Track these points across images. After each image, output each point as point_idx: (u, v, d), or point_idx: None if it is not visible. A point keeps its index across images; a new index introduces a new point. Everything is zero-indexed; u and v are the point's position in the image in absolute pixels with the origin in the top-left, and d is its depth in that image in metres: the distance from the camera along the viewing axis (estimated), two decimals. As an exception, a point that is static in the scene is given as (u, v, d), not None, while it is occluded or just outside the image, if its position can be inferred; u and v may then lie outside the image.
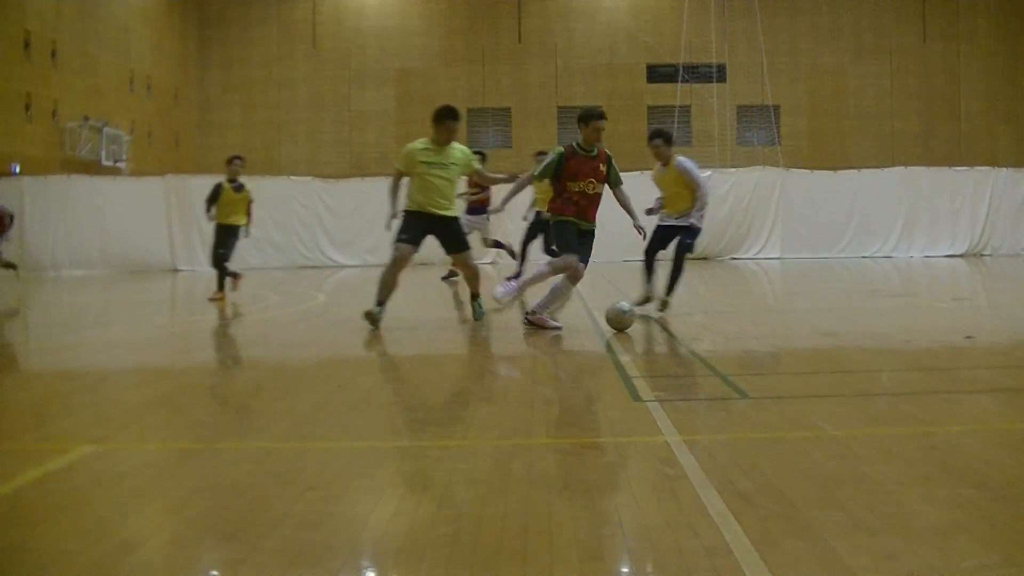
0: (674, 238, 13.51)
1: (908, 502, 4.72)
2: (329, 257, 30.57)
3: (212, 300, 17.43)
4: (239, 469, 5.56)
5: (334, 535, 4.42)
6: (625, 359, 9.39)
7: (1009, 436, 6.16)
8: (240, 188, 17.85)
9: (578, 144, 11.64)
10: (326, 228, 30.76)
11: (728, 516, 4.51)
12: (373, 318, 12.12)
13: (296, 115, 41.43)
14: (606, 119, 11.77)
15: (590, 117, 11.64)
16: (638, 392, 7.60)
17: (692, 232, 13.38)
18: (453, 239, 12.68)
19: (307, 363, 9.90)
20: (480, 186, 19.85)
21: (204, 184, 29.43)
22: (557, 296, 12.00)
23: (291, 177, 32.31)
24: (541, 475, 5.30)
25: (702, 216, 13.41)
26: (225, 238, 17.82)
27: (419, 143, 12.45)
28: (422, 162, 12.26)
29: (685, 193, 13.39)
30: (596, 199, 11.63)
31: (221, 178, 17.99)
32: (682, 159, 13.51)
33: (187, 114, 40.21)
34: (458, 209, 12.89)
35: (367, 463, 5.74)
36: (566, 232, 11.59)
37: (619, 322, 11.62)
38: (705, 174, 28.72)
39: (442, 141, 12.38)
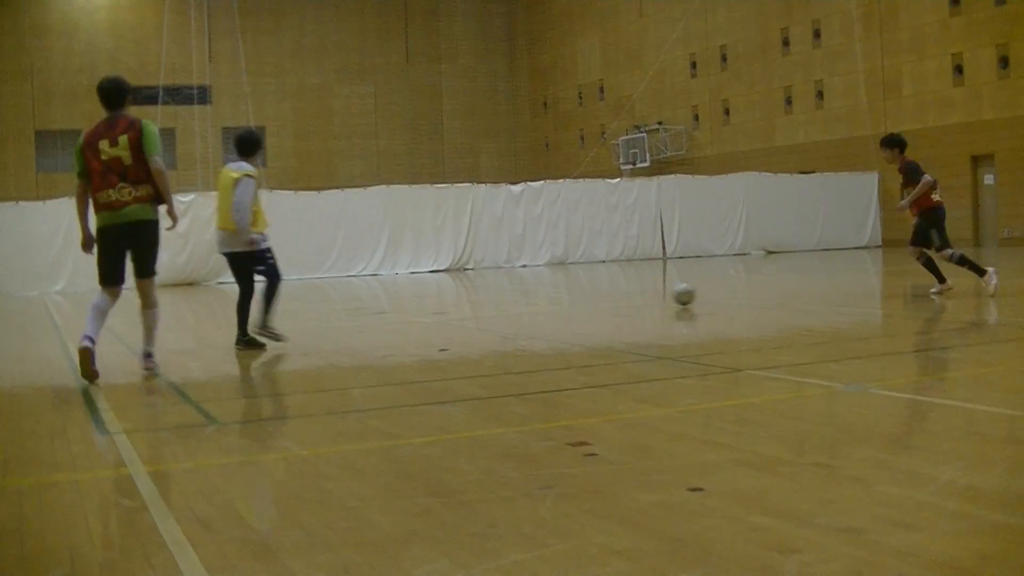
0: None
1: (368, 515, 4.78)
2: None
3: None
4: None
5: None
6: (94, 391, 9.09)
7: (470, 443, 6.36)
8: None
9: None
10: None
11: (185, 544, 4.42)
12: None
13: None
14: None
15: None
16: (106, 424, 7.36)
17: None
18: None
19: None
20: None
21: None
22: None
23: None
24: (-7, 519, 5.03)
25: None
26: None
27: None
28: None
29: None
30: None
31: None
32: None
33: None
34: None
35: None
36: None
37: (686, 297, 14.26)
38: (188, 198, 28.53)
39: None
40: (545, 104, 46.63)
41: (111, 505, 5.28)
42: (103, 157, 9.33)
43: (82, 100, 40.70)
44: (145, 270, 9.75)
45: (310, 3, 43.48)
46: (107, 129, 9.42)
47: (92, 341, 9.29)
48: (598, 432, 6.51)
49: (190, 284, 28.71)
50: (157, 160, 9.43)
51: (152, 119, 29.98)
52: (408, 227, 31.72)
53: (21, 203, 29.93)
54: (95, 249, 9.67)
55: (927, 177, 14.92)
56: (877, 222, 34.79)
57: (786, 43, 37.35)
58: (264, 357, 11.46)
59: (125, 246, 9.56)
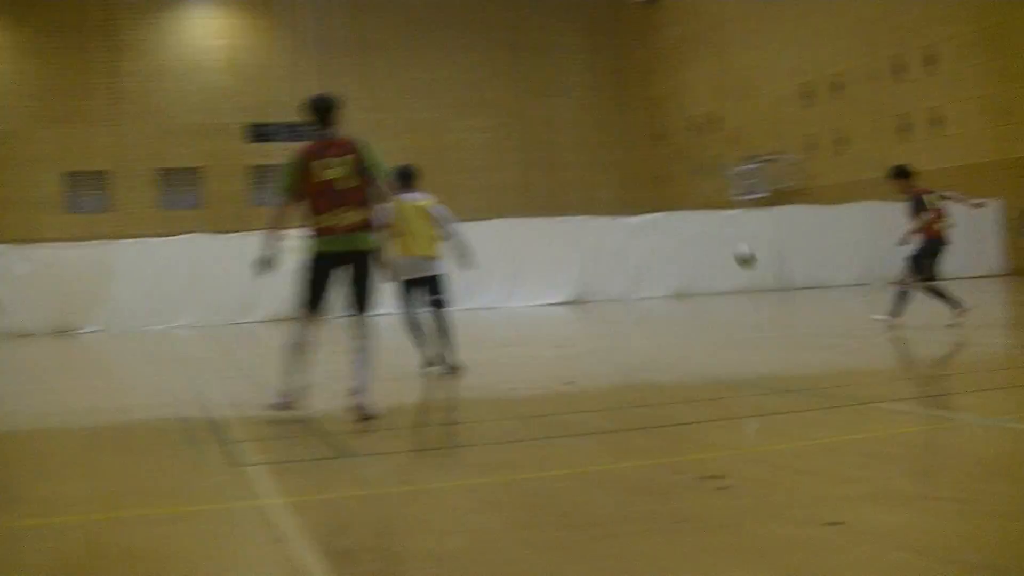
0: None
1: (506, 548, 4.82)
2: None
3: None
4: None
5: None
6: (228, 423, 9.25)
7: (602, 476, 6.38)
8: None
9: None
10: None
11: (329, 574, 4.49)
12: None
13: None
14: None
15: None
16: (240, 456, 7.50)
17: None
18: None
19: None
20: None
21: None
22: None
23: None
24: (136, 549, 5.15)
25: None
26: None
27: None
28: None
29: None
30: None
31: None
32: None
33: None
34: None
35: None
36: None
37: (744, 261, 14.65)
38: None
39: None
40: (658, 136, 46.59)
41: (251, 536, 5.37)
42: (322, 178, 8.90)
43: (200, 138, 41.46)
44: (363, 303, 9.10)
45: (419, 41, 43.89)
46: (325, 148, 9.01)
47: (288, 399, 9.01)
48: (728, 465, 6.49)
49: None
50: (384, 183, 9.07)
51: (272, 155, 30.58)
52: (526, 260, 31.65)
53: (144, 239, 30.54)
54: (306, 275, 9.14)
55: (925, 214, 15.29)
56: (1001, 250, 34.14)
57: (899, 70, 36.91)
58: (392, 390, 11.56)
59: (339, 275, 9.03)
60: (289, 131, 40.11)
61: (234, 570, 4.75)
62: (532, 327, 22.07)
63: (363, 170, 8.87)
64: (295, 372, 9.01)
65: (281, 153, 38.64)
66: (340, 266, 8.98)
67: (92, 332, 27.23)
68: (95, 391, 13.60)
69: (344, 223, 8.86)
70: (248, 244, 28.78)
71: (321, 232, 8.93)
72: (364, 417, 8.69)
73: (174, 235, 30.43)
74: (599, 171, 45.15)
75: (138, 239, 30.33)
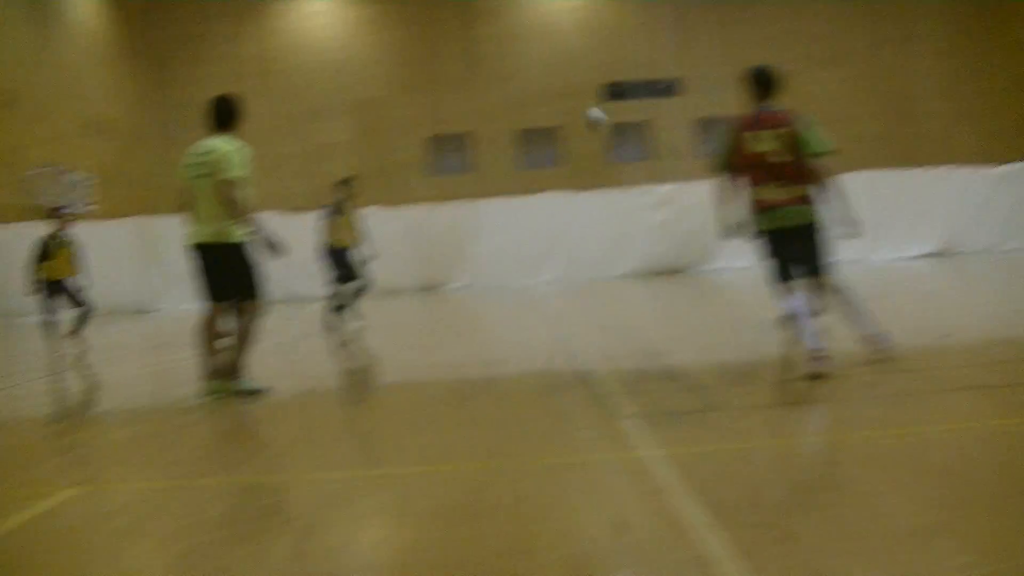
0: None
1: (889, 505, 4.73)
2: (292, 290, 30.35)
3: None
4: (221, 504, 5.58)
5: (319, 566, 4.44)
6: (599, 376, 9.41)
7: (988, 433, 6.18)
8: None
9: None
10: (288, 260, 30.53)
11: (714, 526, 4.53)
12: None
13: (257, 150, 41.10)
14: None
15: None
16: (613, 409, 7.62)
17: None
18: None
19: (284, 395, 9.89)
20: None
21: (173, 224, 29.39)
22: None
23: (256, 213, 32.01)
24: (521, 496, 5.32)
25: None
26: None
27: None
28: None
29: None
30: None
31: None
32: None
33: (150, 154, 40.01)
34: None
35: (347, 493, 5.73)
36: None
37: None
38: (664, 188, 29.22)
39: None
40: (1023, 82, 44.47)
41: (632, 486, 5.45)
42: (754, 150, 8.67)
43: (557, 99, 41.95)
44: (817, 267, 8.81)
45: (781, -8, 43.19)
46: (760, 120, 8.79)
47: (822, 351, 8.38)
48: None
49: (671, 273, 29.18)
50: (822, 161, 8.56)
51: (629, 113, 30.73)
52: (888, 213, 30.90)
53: (505, 198, 31.27)
54: (766, 252, 8.90)
55: None
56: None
57: None
58: (757, 342, 11.51)
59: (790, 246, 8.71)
60: (646, 88, 40.24)
61: (616, 519, 4.83)
62: (897, 280, 21.53)
63: (796, 146, 8.56)
64: (810, 334, 8.45)
65: (637, 110, 39.00)
66: (787, 239, 8.71)
67: (457, 288, 28.14)
68: (464, 345, 14.06)
69: (779, 198, 8.63)
70: (605, 200, 29.23)
71: (760, 207, 8.73)
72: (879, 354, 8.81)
73: (533, 194, 31.08)
74: (960, 120, 43.43)
75: (499, 198, 31.10)
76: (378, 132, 41.24)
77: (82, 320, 16.25)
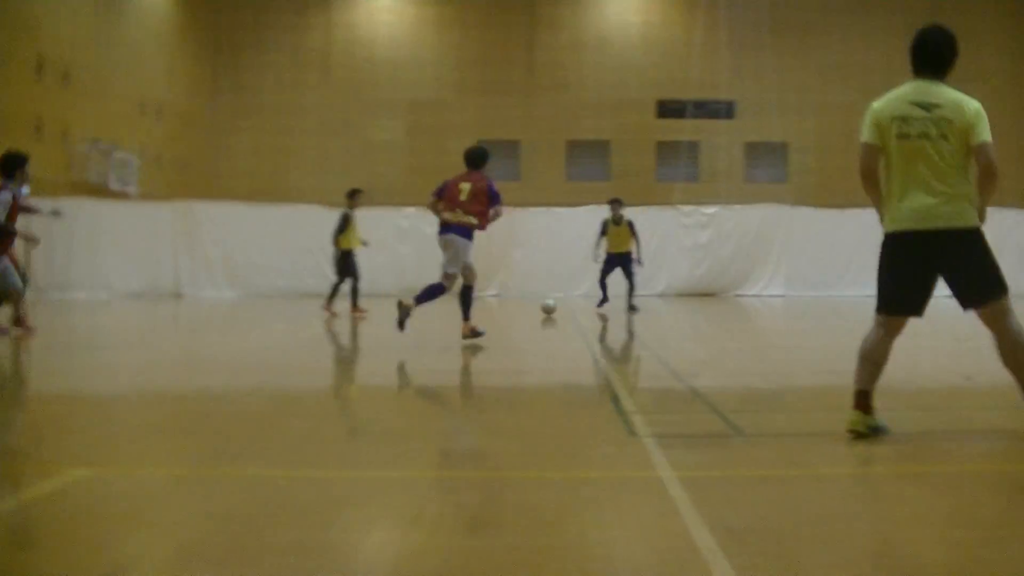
0: None
1: (899, 543, 4.71)
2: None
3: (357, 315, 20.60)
4: (231, 496, 5.57)
5: (323, 564, 4.42)
6: (622, 394, 9.39)
7: (1003, 477, 6.13)
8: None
9: None
10: (330, 256, 30.75)
11: (718, 552, 4.49)
12: None
13: (306, 142, 41.31)
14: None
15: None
16: (634, 427, 7.58)
17: None
18: None
19: (303, 390, 9.90)
20: None
21: (214, 209, 29.60)
22: None
23: (298, 205, 32.20)
24: (533, 508, 5.29)
25: None
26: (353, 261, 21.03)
27: None
28: None
29: None
30: None
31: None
32: None
33: (198, 139, 40.20)
34: None
35: (359, 492, 5.72)
36: None
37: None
38: (711, 210, 29.20)
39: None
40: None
41: (644, 506, 5.43)
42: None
43: (610, 112, 41.94)
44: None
45: (837, 23, 42.93)
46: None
47: None
48: None
49: (708, 295, 29.14)
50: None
51: (681, 132, 30.68)
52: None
53: (553, 209, 31.31)
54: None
55: None
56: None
57: None
58: (785, 371, 11.47)
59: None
60: (698, 108, 40.13)
61: (625, 538, 4.81)
62: (928, 317, 21.32)
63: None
64: None
65: (689, 130, 38.92)
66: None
67: (491, 296, 28.16)
68: (492, 353, 14.03)
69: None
70: (649, 217, 29.20)
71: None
72: None
73: (579, 206, 31.09)
74: (1015, 161, 43.19)
75: (542, 207, 31.12)
76: (430, 133, 41.30)
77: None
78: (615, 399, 9.06)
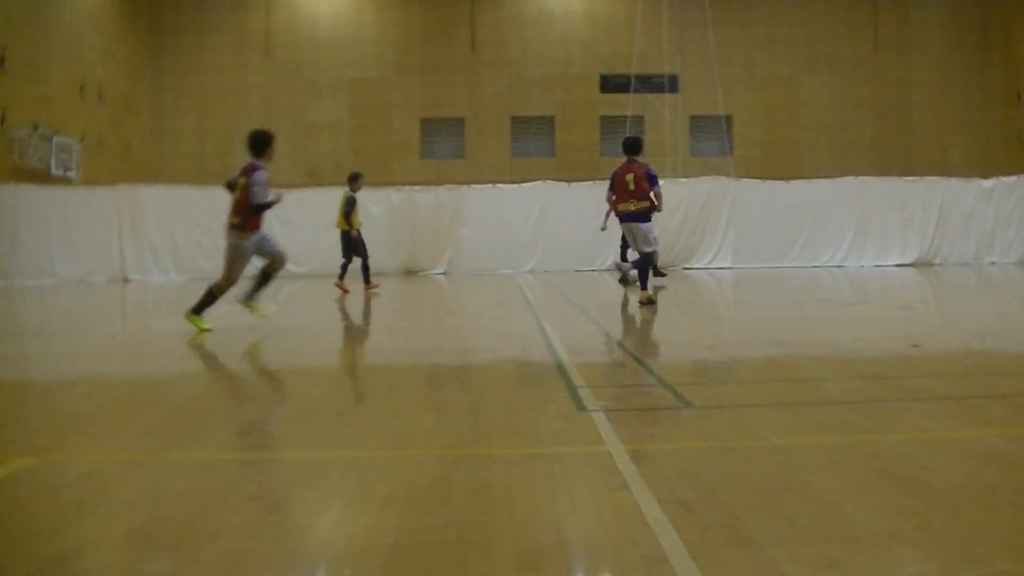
0: None
1: (848, 510, 4.73)
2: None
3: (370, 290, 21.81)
4: (180, 480, 5.54)
5: (274, 545, 4.41)
6: (572, 368, 9.39)
7: (951, 444, 6.18)
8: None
9: None
10: (279, 238, 30.61)
11: (667, 525, 4.51)
12: None
13: (250, 124, 40.78)
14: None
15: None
16: (583, 402, 7.59)
17: None
18: None
19: (253, 373, 9.85)
20: None
21: (158, 193, 29.37)
22: None
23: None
24: (483, 485, 5.29)
25: None
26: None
27: None
28: None
29: None
30: None
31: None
32: None
33: (140, 122, 39.93)
34: None
35: (310, 473, 5.70)
36: None
37: None
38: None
39: None
40: (1019, 96, 44.47)
41: (593, 481, 5.43)
42: None
43: (555, 88, 41.99)
44: None
45: (776, -6, 43.18)
46: None
47: None
48: (1089, 441, 6.19)
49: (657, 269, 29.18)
50: None
51: (624, 106, 30.72)
52: (875, 219, 31.08)
53: (498, 186, 31.28)
54: None
55: None
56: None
57: None
58: (734, 343, 11.52)
59: None
60: (642, 83, 40.17)
61: (574, 513, 4.82)
62: (877, 288, 21.55)
63: None
64: None
65: (632, 105, 38.99)
66: None
67: (439, 274, 28.14)
68: (442, 331, 14.02)
69: None
70: (593, 193, 29.20)
71: None
72: None
73: (525, 182, 31.10)
74: (954, 131, 43.50)
75: (489, 185, 31.11)
76: (373, 112, 41.19)
77: None
78: (564, 374, 9.06)
